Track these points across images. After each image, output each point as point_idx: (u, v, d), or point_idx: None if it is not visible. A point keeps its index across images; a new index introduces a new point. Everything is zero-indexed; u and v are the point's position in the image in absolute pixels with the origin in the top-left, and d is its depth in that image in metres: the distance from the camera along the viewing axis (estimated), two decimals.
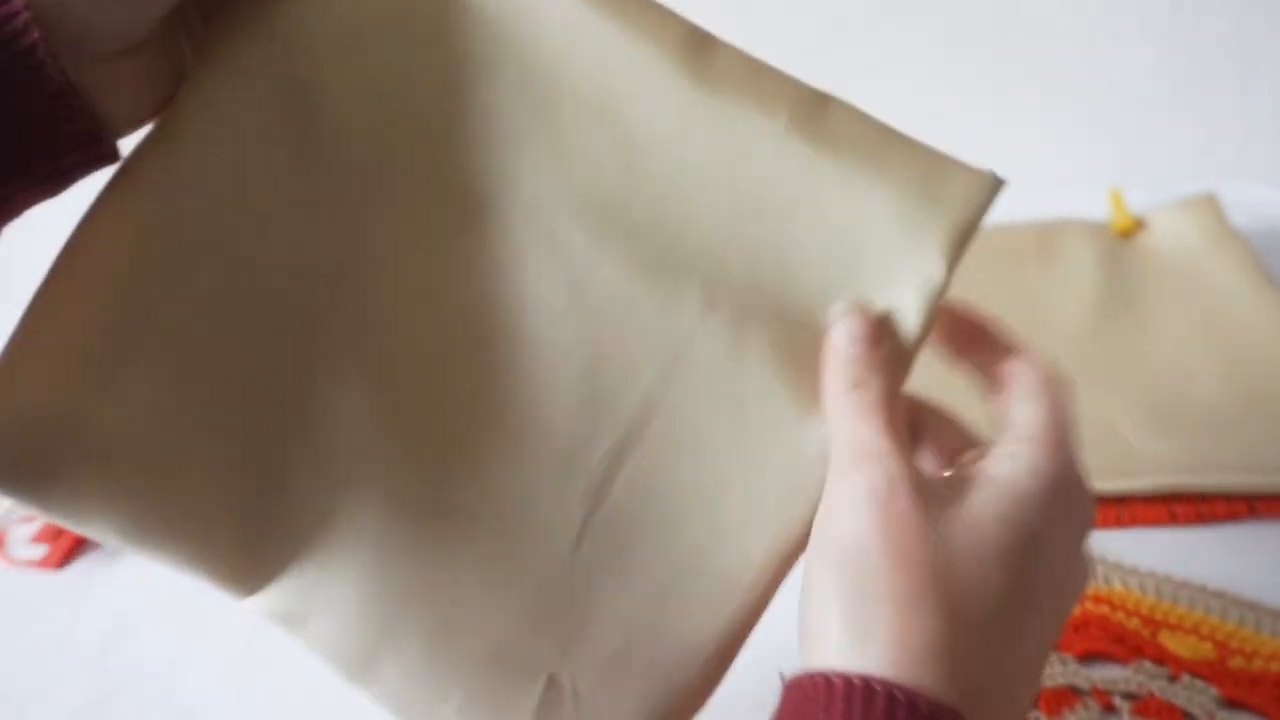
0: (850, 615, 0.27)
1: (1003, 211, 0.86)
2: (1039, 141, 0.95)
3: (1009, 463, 0.30)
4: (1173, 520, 0.54)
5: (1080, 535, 0.31)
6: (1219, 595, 0.48)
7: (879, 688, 0.25)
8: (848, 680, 0.26)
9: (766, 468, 0.33)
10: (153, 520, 0.33)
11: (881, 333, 0.32)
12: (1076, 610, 0.47)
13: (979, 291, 0.73)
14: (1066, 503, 0.29)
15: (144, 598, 0.57)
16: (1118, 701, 0.43)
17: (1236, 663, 0.44)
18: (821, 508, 0.30)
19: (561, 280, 0.34)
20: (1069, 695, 0.43)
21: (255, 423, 0.34)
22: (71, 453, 0.32)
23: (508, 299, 0.34)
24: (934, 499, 0.28)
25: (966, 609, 0.27)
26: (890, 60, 0.94)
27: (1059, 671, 0.44)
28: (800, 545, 0.32)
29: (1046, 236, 0.78)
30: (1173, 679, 0.44)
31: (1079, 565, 0.31)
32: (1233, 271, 0.71)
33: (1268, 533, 0.53)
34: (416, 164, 0.34)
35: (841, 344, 0.32)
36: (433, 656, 0.34)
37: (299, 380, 0.34)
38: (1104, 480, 0.54)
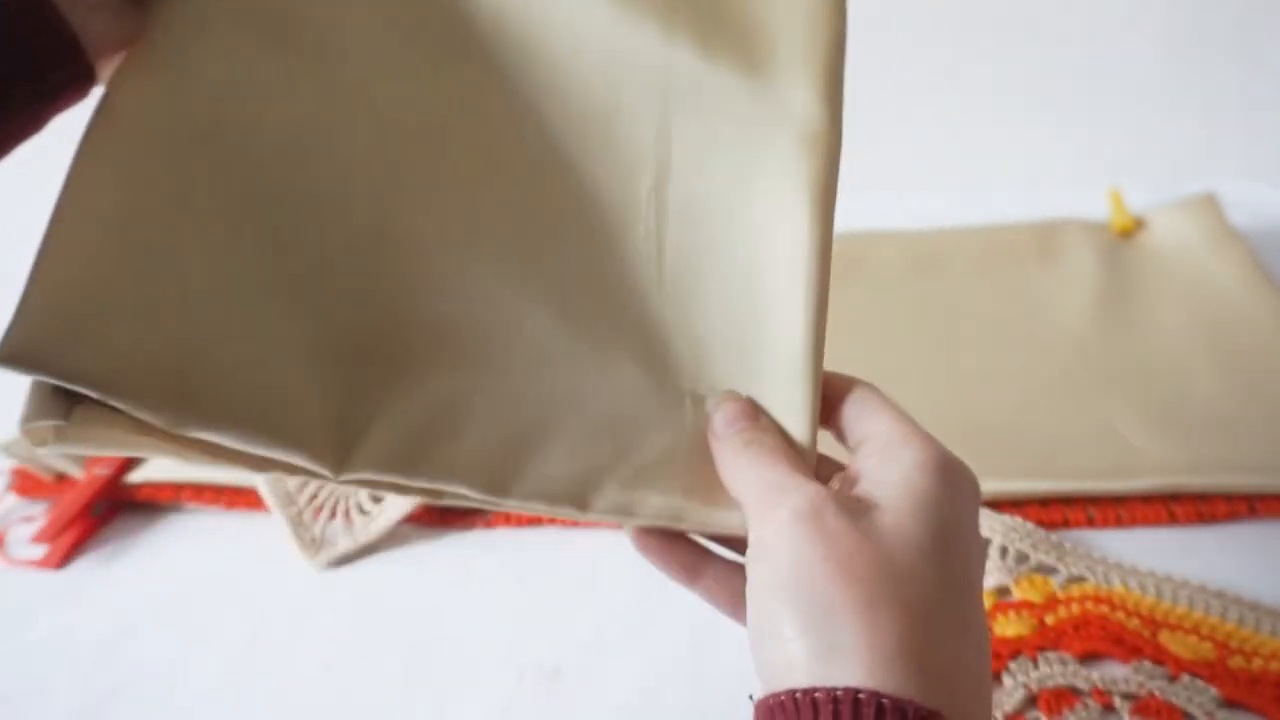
0: (812, 634, 0.27)
1: (1003, 211, 0.87)
2: (1039, 141, 0.95)
3: (896, 466, 0.30)
4: (1173, 520, 0.53)
5: (974, 509, 0.31)
6: (1219, 595, 0.48)
7: (864, 696, 0.25)
8: (831, 694, 0.25)
9: (773, 146, 0.35)
10: (227, 399, 0.32)
11: (756, 409, 0.34)
12: (1077, 610, 0.47)
13: (979, 291, 0.74)
14: (956, 483, 0.30)
15: (144, 598, 0.57)
16: (1117, 701, 0.43)
17: (1236, 662, 0.44)
18: (751, 555, 0.30)
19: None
20: (1069, 695, 0.43)
21: (324, 283, 0.34)
22: (128, 334, 0.31)
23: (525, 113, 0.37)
24: (855, 513, 0.29)
25: (919, 607, 0.27)
26: (890, 61, 0.94)
27: (1059, 671, 0.44)
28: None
29: (1046, 236, 0.78)
30: (1172, 679, 0.44)
31: (980, 537, 0.31)
32: (1233, 271, 0.71)
33: (1268, 533, 0.53)
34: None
35: (722, 427, 0.33)
36: (577, 432, 0.34)
37: (358, 230, 0.35)
38: (1104, 480, 0.55)
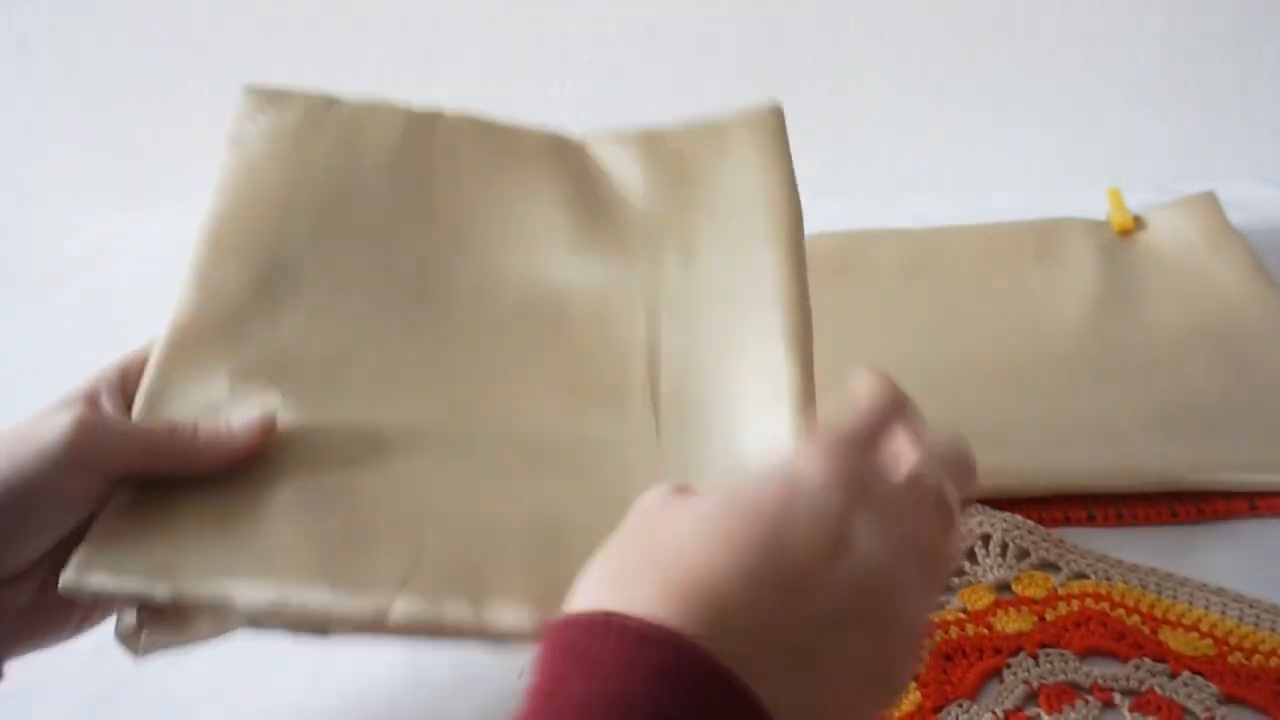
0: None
1: (1003, 211, 0.87)
2: (1039, 141, 0.96)
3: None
4: (1174, 518, 0.53)
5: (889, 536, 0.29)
6: (1219, 592, 0.48)
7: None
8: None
9: (751, 311, 0.44)
10: None
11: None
12: (1077, 606, 0.47)
13: (979, 290, 0.74)
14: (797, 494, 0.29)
15: None
16: (1118, 698, 0.43)
17: (1236, 659, 0.44)
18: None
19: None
20: (1069, 691, 0.43)
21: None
22: None
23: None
24: None
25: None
26: (889, 61, 0.94)
27: (1059, 668, 0.44)
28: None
29: (1046, 235, 0.78)
30: (1173, 675, 0.44)
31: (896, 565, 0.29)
32: (1232, 270, 0.71)
33: (1268, 530, 0.53)
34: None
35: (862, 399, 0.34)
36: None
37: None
38: (1104, 478, 0.55)
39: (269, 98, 0.51)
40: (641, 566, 0.28)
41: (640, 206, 0.49)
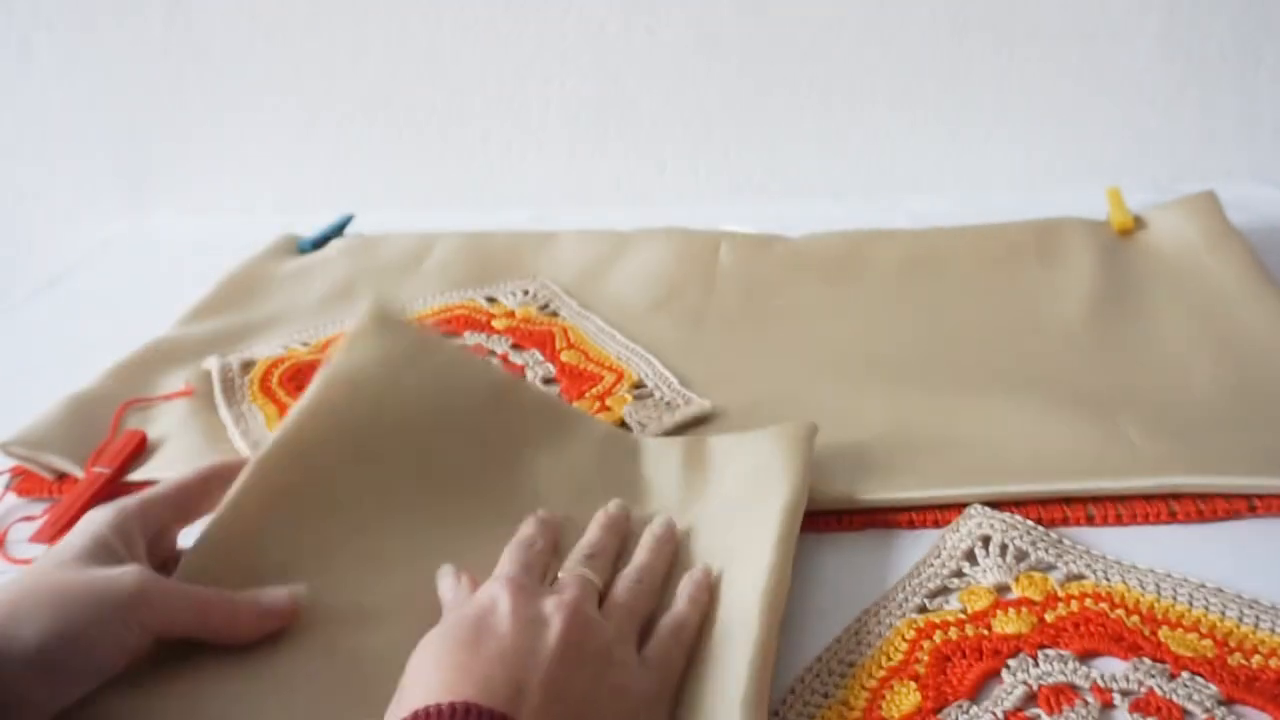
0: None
1: (1003, 211, 0.87)
2: (1039, 141, 0.96)
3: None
4: (1173, 518, 0.53)
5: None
6: (1218, 592, 0.48)
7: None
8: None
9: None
10: None
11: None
12: (1076, 607, 0.47)
13: (980, 290, 0.74)
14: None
15: None
16: (1117, 699, 0.43)
17: (1236, 660, 0.44)
18: None
19: None
20: (1069, 692, 0.43)
21: None
22: None
23: None
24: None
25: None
26: (890, 61, 0.94)
27: (1058, 669, 0.44)
28: None
29: (1046, 235, 0.78)
30: (1172, 676, 0.44)
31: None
32: (1232, 269, 0.71)
33: (1268, 530, 0.53)
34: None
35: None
36: None
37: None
38: (1104, 478, 0.55)
39: (390, 324, 0.57)
40: (415, 693, 0.37)
41: (661, 494, 0.55)
